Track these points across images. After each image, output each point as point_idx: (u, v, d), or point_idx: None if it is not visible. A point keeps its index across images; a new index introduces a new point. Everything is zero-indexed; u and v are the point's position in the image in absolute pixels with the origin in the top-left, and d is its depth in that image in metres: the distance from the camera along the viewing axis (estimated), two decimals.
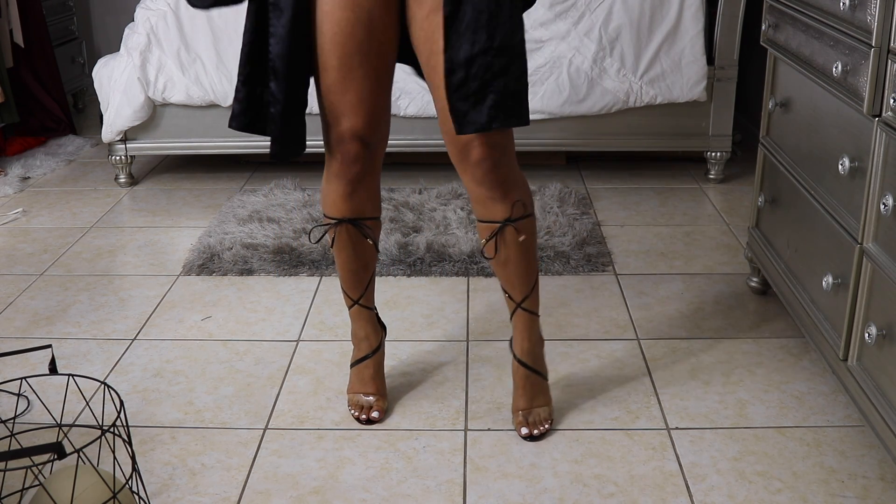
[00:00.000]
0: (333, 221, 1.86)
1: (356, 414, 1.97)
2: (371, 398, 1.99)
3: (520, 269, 1.84)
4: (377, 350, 2.02)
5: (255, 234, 2.88)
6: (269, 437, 1.92)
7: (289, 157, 1.73)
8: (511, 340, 1.97)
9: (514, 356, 1.94)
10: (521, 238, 1.79)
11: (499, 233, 1.78)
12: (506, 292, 1.89)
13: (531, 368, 1.93)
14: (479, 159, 1.70)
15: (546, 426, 1.91)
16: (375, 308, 2.02)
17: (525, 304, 1.88)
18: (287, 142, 1.71)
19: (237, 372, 2.17)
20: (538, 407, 1.93)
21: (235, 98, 1.71)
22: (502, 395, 2.05)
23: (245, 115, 1.70)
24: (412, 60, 1.79)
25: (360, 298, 1.97)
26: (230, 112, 1.73)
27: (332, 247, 1.90)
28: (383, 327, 2.06)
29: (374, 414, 1.96)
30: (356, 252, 1.90)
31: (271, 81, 1.67)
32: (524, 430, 1.90)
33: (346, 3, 1.65)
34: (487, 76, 1.61)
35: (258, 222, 2.98)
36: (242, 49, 1.68)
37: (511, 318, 1.93)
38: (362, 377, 2.01)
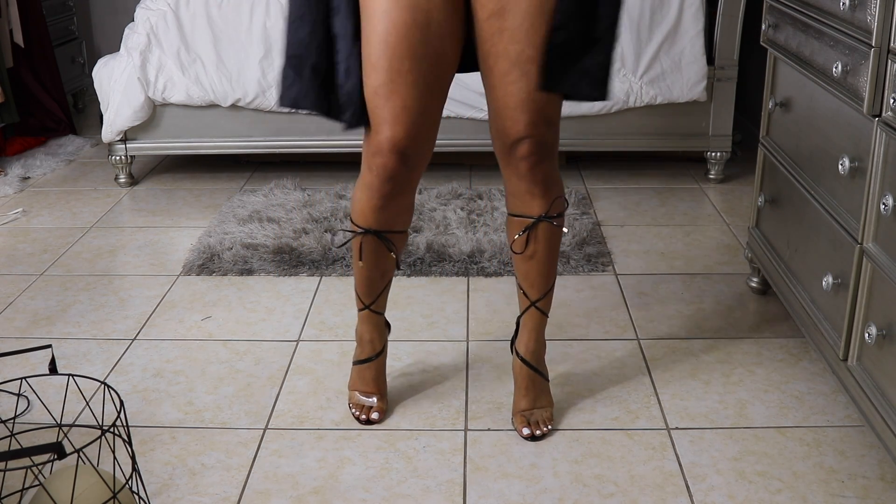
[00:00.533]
0: (360, 231, 1.81)
1: (356, 413, 1.97)
2: (372, 399, 1.98)
3: (543, 268, 1.86)
4: (380, 354, 2.00)
5: (255, 234, 2.88)
6: (269, 437, 1.92)
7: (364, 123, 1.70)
8: (513, 340, 1.97)
9: (519, 356, 1.94)
10: (564, 230, 1.82)
11: (532, 228, 1.80)
12: (521, 290, 1.89)
13: (535, 369, 1.93)
14: (525, 154, 1.72)
15: (548, 427, 1.91)
16: (384, 314, 2.00)
17: (540, 303, 1.89)
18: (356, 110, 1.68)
19: (237, 372, 2.17)
20: (540, 408, 1.93)
21: (297, 80, 1.68)
22: (502, 395, 2.05)
23: (308, 95, 1.68)
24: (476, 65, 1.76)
25: (372, 304, 1.94)
26: (282, 93, 1.70)
27: (358, 257, 1.85)
28: (388, 326, 2.05)
29: (374, 415, 1.96)
30: (377, 262, 1.86)
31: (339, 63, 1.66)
32: (526, 431, 1.89)
33: (406, 4, 1.60)
34: (586, 44, 1.64)
35: (258, 222, 2.98)
36: (298, 36, 1.66)
37: (520, 317, 1.93)
38: (364, 377, 2.00)
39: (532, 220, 1.80)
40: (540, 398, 1.94)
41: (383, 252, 1.84)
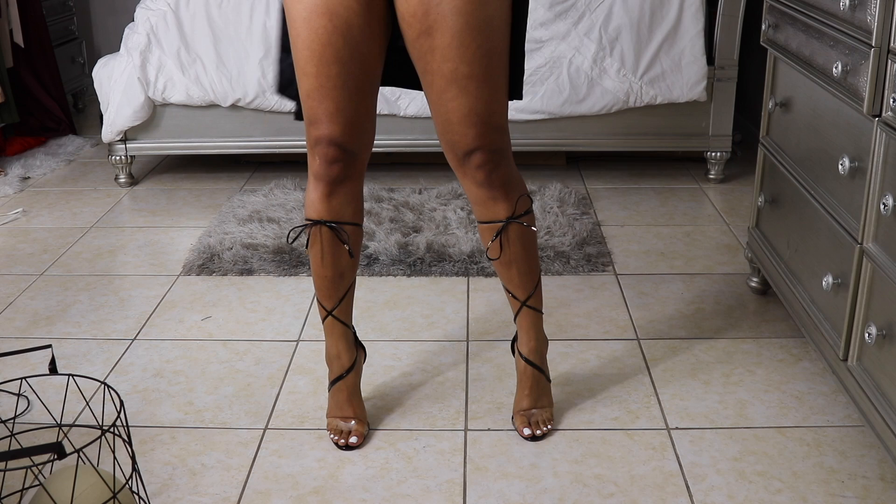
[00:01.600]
0: (310, 223, 1.81)
1: (335, 439, 1.89)
2: (350, 423, 1.90)
3: (523, 267, 1.85)
4: (350, 370, 1.91)
5: (255, 234, 2.88)
6: (269, 437, 1.92)
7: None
8: (514, 341, 1.97)
9: (521, 356, 1.93)
10: (533, 229, 1.81)
11: (502, 232, 1.80)
12: (509, 292, 1.89)
13: (538, 368, 1.93)
14: (479, 164, 1.72)
15: (548, 427, 1.91)
16: (352, 327, 1.94)
17: (530, 301, 1.89)
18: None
19: (237, 372, 2.18)
20: (541, 408, 1.93)
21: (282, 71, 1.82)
22: (502, 395, 2.05)
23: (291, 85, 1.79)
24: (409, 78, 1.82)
25: (334, 310, 1.87)
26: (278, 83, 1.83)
27: (307, 248, 1.86)
28: (362, 348, 2.00)
29: (353, 440, 1.88)
30: (332, 257, 1.83)
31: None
32: (526, 431, 1.89)
33: (323, 11, 1.64)
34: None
35: (258, 222, 2.98)
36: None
37: (515, 319, 1.93)
38: (338, 401, 1.92)
39: (501, 223, 1.79)
40: (542, 398, 1.94)
41: (338, 246, 1.82)
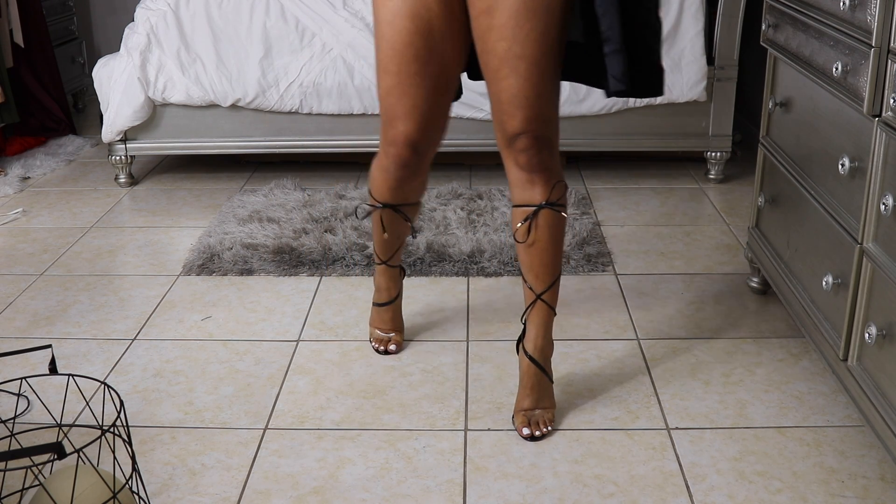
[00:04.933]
0: (378, 206, 2.03)
1: (375, 346, 2.22)
2: (391, 333, 2.23)
3: (546, 257, 1.88)
4: (395, 299, 2.24)
5: (255, 234, 2.88)
6: (269, 437, 1.92)
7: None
8: (520, 340, 1.97)
9: (527, 354, 1.93)
10: (564, 215, 1.87)
11: (534, 216, 1.84)
12: (527, 283, 1.91)
13: (542, 368, 1.93)
14: (523, 148, 1.79)
15: (548, 428, 1.91)
16: (400, 265, 2.23)
17: (545, 296, 1.90)
18: None
19: (237, 372, 2.18)
20: (542, 409, 1.93)
21: None
22: (502, 395, 2.05)
23: None
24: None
25: (389, 260, 2.17)
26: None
27: (380, 229, 2.06)
28: (403, 271, 2.26)
29: (392, 347, 2.21)
30: (392, 228, 2.08)
31: None
32: (525, 431, 1.89)
33: (407, 13, 1.76)
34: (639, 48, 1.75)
35: (258, 222, 2.98)
36: None
37: (526, 314, 1.93)
38: (382, 317, 2.24)
39: (534, 208, 1.84)
40: (543, 399, 1.94)
41: (399, 220, 2.07)
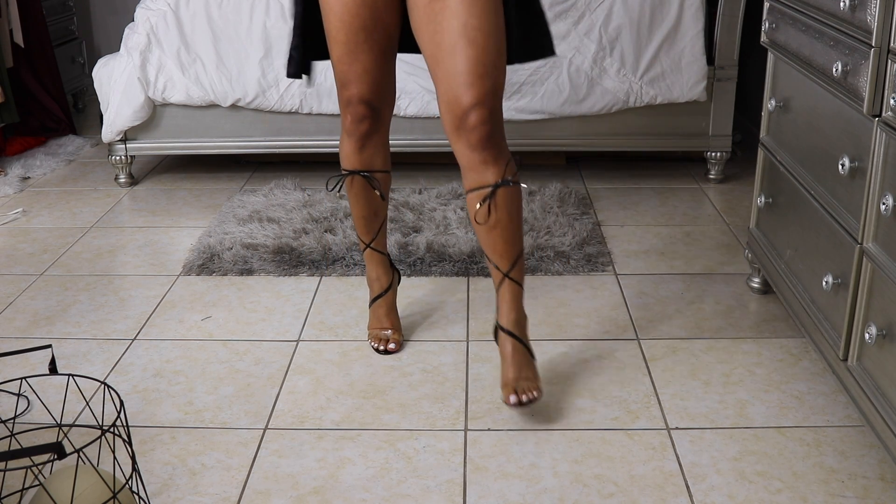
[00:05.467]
0: (346, 173, 2.13)
1: (375, 345, 2.24)
2: (388, 332, 2.25)
3: (507, 234, 1.92)
4: (388, 290, 2.27)
5: (255, 234, 2.88)
6: (269, 437, 1.92)
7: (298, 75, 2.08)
8: (495, 330, 1.99)
9: (502, 328, 1.97)
10: (523, 185, 1.93)
11: (492, 196, 1.87)
12: (492, 263, 1.95)
13: (518, 339, 1.95)
14: (477, 123, 1.83)
15: (534, 394, 1.90)
16: (388, 254, 2.28)
17: (512, 273, 1.94)
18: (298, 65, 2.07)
19: (237, 372, 2.18)
20: (525, 378, 1.93)
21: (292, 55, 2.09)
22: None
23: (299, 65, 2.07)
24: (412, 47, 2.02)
25: (372, 242, 2.22)
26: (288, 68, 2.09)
27: (343, 194, 2.17)
28: (396, 272, 2.31)
29: (391, 346, 2.22)
30: (366, 200, 2.16)
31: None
32: (513, 398, 1.89)
33: None
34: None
35: (258, 222, 2.98)
36: (294, 19, 2.09)
37: (497, 292, 1.97)
38: (377, 315, 2.27)
39: (490, 187, 1.87)
40: (524, 369, 1.95)
41: (369, 190, 2.15)
